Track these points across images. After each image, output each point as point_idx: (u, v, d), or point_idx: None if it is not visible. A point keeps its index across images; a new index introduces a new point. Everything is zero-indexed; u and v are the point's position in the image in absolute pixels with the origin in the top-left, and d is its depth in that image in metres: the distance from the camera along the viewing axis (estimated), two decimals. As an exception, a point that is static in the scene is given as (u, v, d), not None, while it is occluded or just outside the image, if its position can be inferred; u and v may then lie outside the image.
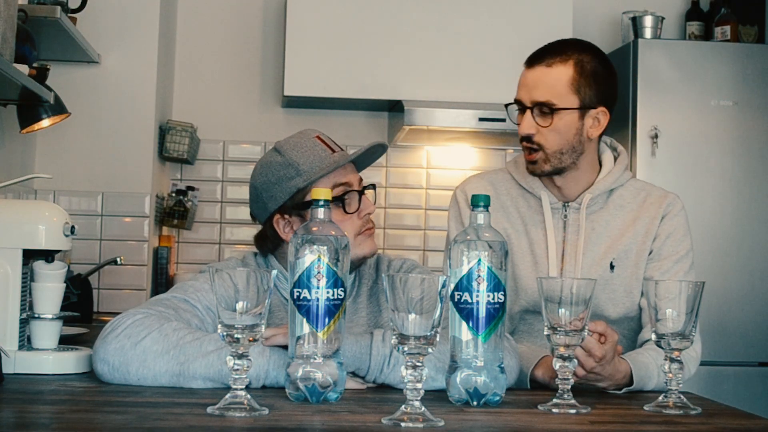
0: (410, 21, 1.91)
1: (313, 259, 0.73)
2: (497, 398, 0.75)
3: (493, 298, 0.74)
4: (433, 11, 1.92)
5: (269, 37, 2.07)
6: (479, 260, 0.74)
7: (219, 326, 0.69)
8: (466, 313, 0.74)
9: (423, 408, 0.66)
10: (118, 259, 1.64)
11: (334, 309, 0.73)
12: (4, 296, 0.84)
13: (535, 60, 0.97)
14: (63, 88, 1.66)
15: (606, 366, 0.81)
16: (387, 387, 0.80)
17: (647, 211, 1.01)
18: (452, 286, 0.75)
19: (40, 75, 1.37)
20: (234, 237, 2.05)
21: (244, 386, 0.68)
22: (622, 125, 1.86)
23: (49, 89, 1.41)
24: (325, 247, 0.73)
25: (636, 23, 1.95)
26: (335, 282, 0.73)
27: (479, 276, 0.74)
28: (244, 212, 1.98)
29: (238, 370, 0.68)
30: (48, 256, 0.87)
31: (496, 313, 0.75)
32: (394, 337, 0.67)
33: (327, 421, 0.67)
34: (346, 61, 1.90)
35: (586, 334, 0.75)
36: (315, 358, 0.73)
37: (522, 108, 0.97)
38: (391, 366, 0.79)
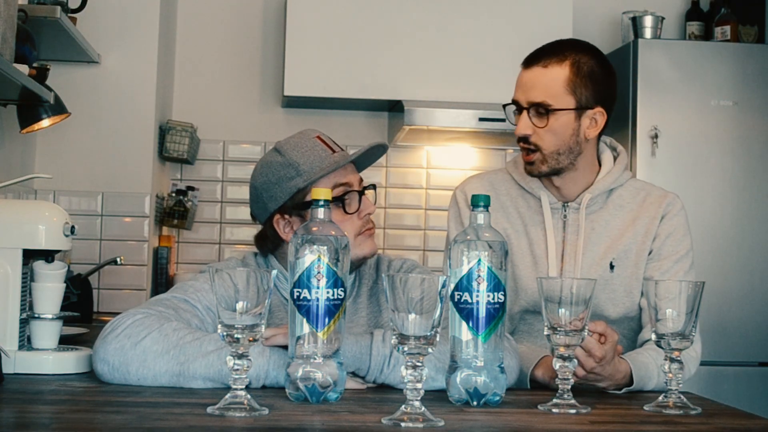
0: (410, 21, 1.91)
1: (313, 259, 0.73)
2: (497, 398, 0.75)
3: (493, 298, 0.74)
4: (433, 11, 1.92)
5: (269, 37, 2.07)
6: (479, 260, 0.74)
7: (219, 326, 0.69)
8: (466, 313, 0.74)
9: (423, 408, 0.66)
10: (118, 259, 1.64)
11: (334, 309, 0.73)
12: (4, 296, 0.84)
13: (531, 61, 0.97)
14: (63, 88, 1.66)
15: (606, 366, 0.81)
16: (387, 387, 0.80)
17: (647, 211, 1.01)
18: (452, 286, 0.75)
19: (40, 75, 1.37)
20: (234, 237, 2.05)
21: (244, 386, 0.68)
22: (622, 125, 1.86)
23: (49, 89, 1.41)
24: (325, 247, 0.73)
25: (636, 23, 1.95)
26: (335, 282, 0.73)
27: (479, 276, 0.74)
28: (244, 212, 1.98)
29: (238, 370, 0.68)
30: (48, 256, 0.87)
31: (496, 313, 0.75)
32: (394, 337, 0.67)
33: (327, 421, 0.67)
34: (346, 61, 1.90)
35: (586, 334, 0.75)
36: (315, 358, 0.73)
37: (519, 108, 0.97)
38: (391, 366, 0.79)
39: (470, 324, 0.74)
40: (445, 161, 2.09)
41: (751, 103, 1.85)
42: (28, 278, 0.87)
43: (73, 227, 0.88)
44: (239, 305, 0.68)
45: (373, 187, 0.93)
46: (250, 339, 0.69)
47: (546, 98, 0.94)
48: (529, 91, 0.95)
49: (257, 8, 2.08)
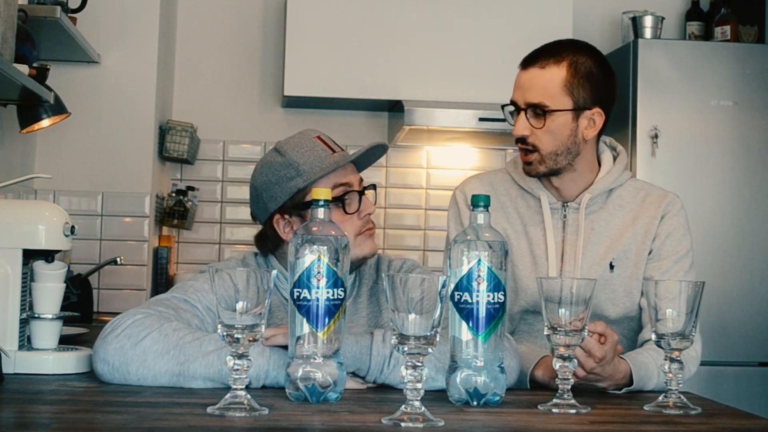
0: (410, 21, 1.91)
1: (313, 259, 0.73)
2: (497, 398, 0.75)
3: (493, 298, 0.74)
4: (433, 11, 1.92)
5: (269, 37, 2.07)
6: (479, 260, 0.74)
7: (219, 326, 0.69)
8: (466, 313, 0.74)
9: (423, 408, 0.66)
10: (118, 259, 1.64)
11: (334, 309, 0.73)
12: (4, 296, 0.84)
13: (529, 61, 0.97)
14: (63, 88, 1.66)
15: (606, 366, 0.81)
16: (387, 387, 0.80)
17: (647, 211, 1.00)
18: (452, 286, 0.75)
19: (40, 75, 1.37)
20: (234, 237, 2.05)
21: (244, 386, 0.68)
22: (622, 125, 1.86)
23: (49, 89, 1.41)
24: (325, 247, 0.73)
25: (636, 23, 1.95)
26: (335, 282, 0.73)
27: (479, 276, 0.74)
28: (244, 212, 1.98)
29: (238, 370, 0.68)
30: (48, 256, 0.87)
31: (496, 313, 0.75)
32: (394, 337, 0.67)
33: (327, 421, 0.67)
34: (346, 61, 1.89)
35: (586, 334, 0.75)
36: (315, 358, 0.73)
37: (517, 109, 0.97)
38: (391, 366, 0.79)
39: (470, 324, 0.74)
40: (445, 161, 2.09)
41: (751, 103, 1.85)
42: (28, 278, 0.87)
43: (73, 227, 0.88)
44: (239, 305, 0.68)
45: (374, 187, 0.93)
46: (250, 339, 0.69)
47: (543, 99, 0.95)
48: (526, 92, 0.96)
49: (257, 8, 2.08)
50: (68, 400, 0.73)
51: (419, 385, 0.66)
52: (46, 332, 0.87)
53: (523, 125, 0.96)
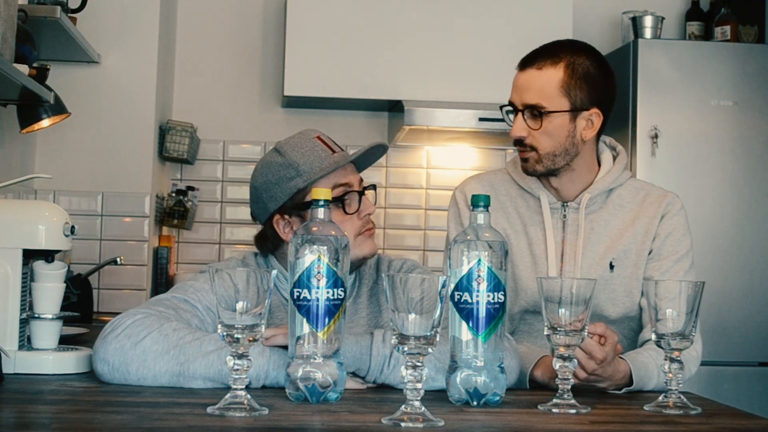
0: (410, 21, 1.91)
1: (313, 259, 0.73)
2: (497, 398, 0.75)
3: (493, 298, 0.74)
4: (433, 11, 1.92)
5: (269, 37, 2.07)
6: (479, 260, 0.74)
7: (219, 326, 0.69)
8: (466, 313, 0.74)
9: (423, 408, 0.66)
10: (118, 259, 1.64)
11: (334, 309, 0.73)
12: (4, 296, 0.84)
13: (527, 62, 0.97)
14: (63, 88, 1.66)
15: (606, 367, 0.81)
16: (387, 387, 0.80)
17: (647, 211, 1.00)
18: (452, 286, 0.75)
19: (40, 75, 1.37)
20: (234, 237, 2.05)
21: (244, 386, 0.68)
22: (622, 125, 1.86)
23: (49, 89, 1.41)
24: (325, 247, 0.73)
25: (636, 23, 1.95)
26: (335, 282, 0.73)
27: (479, 276, 0.74)
28: (244, 212, 1.98)
29: (238, 370, 0.68)
30: (48, 256, 0.87)
31: (496, 313, 0.75)
32: (394, 337, 0.67)
33: (327, 421, 0.67)
34: (346, 61, 1.89)
35: (585, 334, 0.75)
36: (315, 358, 0.73)
37: (514, 110, 0.97)
38: (391, 366, 0.79)
39: (470, 324, 0.74)
40: (445, 161, 2.09)
41: (751, 103, 1.85)
42: (28, 278, 0.87)
43: (73, 227, 0.88)
44: (239, 305, 0.68)
45: (373, 187, 0.93)
46: (250, 339, 0.69)
47: (540, 100, 0.95)
48: (523, 93, 0.96)
49: (257, 8, 2.08)
50: (68, 400, 0.73)
51: (419, 385, 0.66)
52: (46, 332, 0.87)
53: (520, 126, 0.96)
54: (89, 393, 0.76)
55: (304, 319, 0.73)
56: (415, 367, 0.66)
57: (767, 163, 1.85)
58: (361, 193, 0.91)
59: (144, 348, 0.77)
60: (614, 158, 1.03)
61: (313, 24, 1.89)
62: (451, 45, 1.91)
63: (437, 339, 0.67)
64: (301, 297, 0.73)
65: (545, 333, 0.75)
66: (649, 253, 0.99)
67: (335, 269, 0.73)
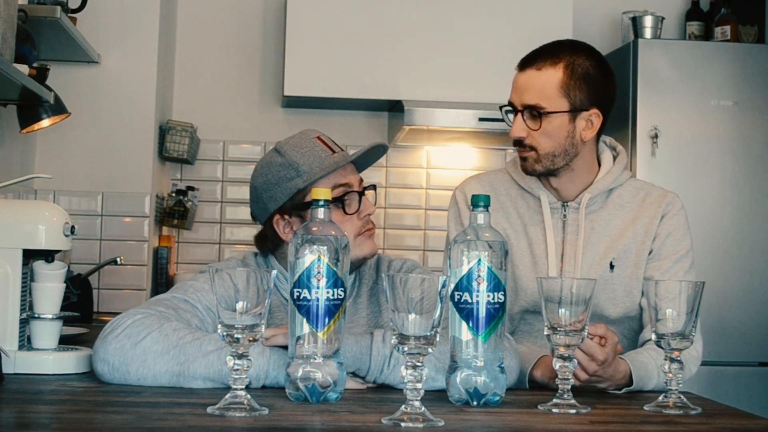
0: (410, 21, 1.91)
1: (313, 259, 0.73)
2: (497, 398, 0.75)
3: (493, 298, 0.74)
4: (433, 11, 1.92)
5: (269, 37, 2.07)
6: (479, 260, 0.74)
7: (219, 326, 0.69)
8: (466, 313, 0.74)
9: (423, 408, 0.66)
10: (118, 259, 1.64)
11: (334, 309, 0.73)
12: (4, 296, 0.84)
13: (526, 63, 0.97)
14: (63, 88, 1.66)
15: (607, 368, 0.81)
16: (387, 387, 0.80)
17: (647, 211, 1.01)
18: (452, 286, 0.75)
19: (40, 75, 1.37)
20: (234, 237, 2.05)
21: (244, 386, 0.68)
22: (622, 125, 1.86)
23: (49, 89, 1.41)
24: (325, 247, 0.73)
25: (636, 23, 1.95)
26: (335, 282, 0.73)
27: (479, 276, 0.74)
28: (244, 212, 1.98)
29: (238, 370, 0.68)
30: (48, 256, 0.87)
31: (496, 313, 0.75)
32: (394, 337, 0.67)
33: (327, 421, 0.67)
34: (346, 61, 1.89)
35: (585, 334, 0.75)
36: (315, 358, 0.73)
37: (514, 110, 0.97)
38: (391, 366, 0.79)
39: (470, 324, 0.74)
40: (445, 161, 2.09)
41: (751, 103, 1.85)
42: (28, 278, 0.87)
43: (73, 227, 0.88)
44: (239, 305, 0.68)
45: (374, 187, 0.93)
46: (250, 339, 0.69)
47: (539, 101, 0.95)
48: (522, 93, 0.96)
49: (257, 8, 2.08)
50: (68, 400, 0.73)
51: (419, 385, 0.66)
52: (46, 332, 0.87)
53: (519, 127, 0.96)
54: (89, 393, 0.76)
55: (304, 319, 0.73)
56: (415, 367, 0.66)
57: (767, 163, 1.85)
58: (361, 194, 0.91)
59: (144, 348, 0.77)
60: (614, 158, 1.03)
61: (313, 24, 1.89)
62: (451, 45, 1.91)
63: (437, 339, 0.67)
64: (301, 297, 0.73)
65: (545, 333, 0.75)
66: (649, 253, 0.99)
67: (335, 269, 0.73)
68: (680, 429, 0.69)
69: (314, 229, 0.74)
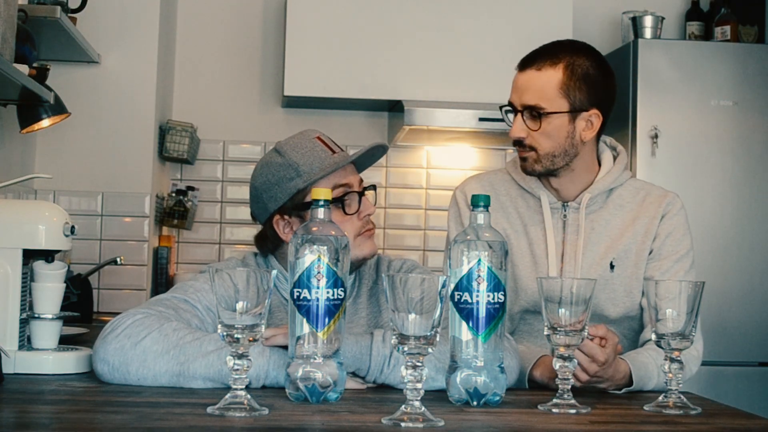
0: (410, 21, 1.91)
1: (313, 259, 0.73)
2: (497, 398, 0.75)
3: (493, 298, 0.74)
4: (433, 11, 1.92)
5: (269, 37, 2.07)
6: (479, 260, 0.74)
7: (219, 326, 0.69)
8: (466, 313, 0.74)
9: (423, 408, 0.66)
10: (118, 259, 1.64)
11: (334, 309, 0.73)
12: (4, 296, 0.84)
13: (526, 63, 0.97)
14: (63, 88, 1.66)
15: (607, 369, 0.82)
16: (387, 387, 0.80)
17: (647, 211, 1.01)
18: (452, 286, 0.75)
19: (40, 75, 1.37)
20: (234, 237, 2.05)
21: (244, 386, 0.68)
22: (622, 125, 1.86)
23: (49, 89, 1.41)
24: (325, 247, 0.73)
25: (636, 23, 1.95)
26: (335, 282, 0.73)
27: (479, 276, 0.74)
28: (244, 212, 1.98)
29: (238, 370, 0.68)
30: (48, 256, 0.87)
31: (496, 313, 0.75)
32: (394, 337, 0.67)
33: (327, 421, 0.67)
34: (346, 61, 1.89)
35: (585, 334, 0.75)
36: (315, 358, 0.73)
37: (514, 111, 0.97)
38: (391, 366, 0.79)
39: (470, 324, 0.74)
40: (445, 161, 2.09)
41: (751, 103, 1.85)
42: (28, 278, 0.87)
43: (73, 227, 0.88)
44: (239, 305, 0.68)
45: (374, 188, 0.93)
46: (250, 339, 0.69)
47: (539, 101, 0.95)
48: (522, 93, 0.96)
49: (257, 8, 2.08)
50: (68, 400, 0.73)
51: (419, 385, 0.66)
52: (46, 332, 0.87)
53: (519, 127, 0.96)
54: (89, 393, 0.76)
55: (304, 319, 0.73)
56: (415, 367, 0.66)
57: (767, 163, 1.85)
58: (361, 194, 0.91)
59: (144, 348, 0.77)
60: (614, 158, 1.03)
61: (313, 24, 1.89)
62: (451, 45, 1.91)
63: (437, 339, 0.67)
64: (301, 297, 0.73)
65: (545, 333, 0.75)
66: (650, 253, 0.99)
67: (335, 269, 0.73)
68: (680, 429, 0.69)
69: (314, 229, 0.74)
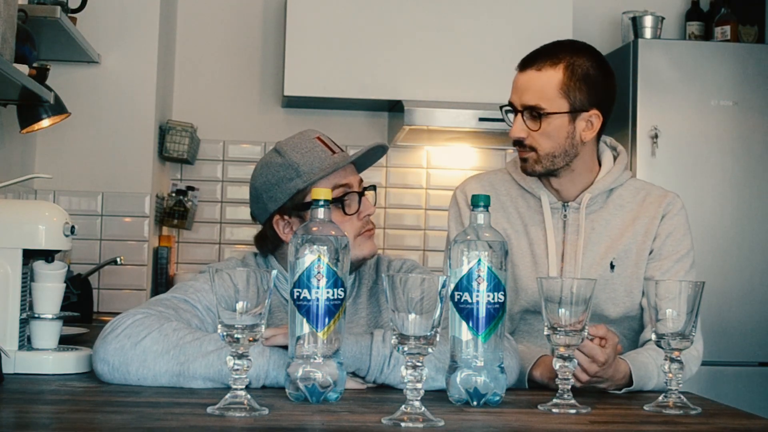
0: (410, 21, 1.91)
1: (313, 259, 0.73)
2: (497, 398, 0.75)
3: (493, 298, 0.74)
4: (433, 11, 1.92)
5: (269, 37, 2.07)
6: (479, 260, 0.74)
7: (219, 326, 0.69)
8: (466, 313, 0.74)
9: (423, 408, 0.66)
10: (118, 259, 1.64)
11: (334, 309, 0.73)
12: (4, 296, 0.84)
13: (527, 63, 0.97)
14: (63, 88, 1.66)
15: (607, 369, 0.82)
16: (387, 387, 0.80)
17: (647, 211, 1.01)
18: (452, 286, 0.75)
19: (40, 75, 1.37)
20: (234, 237, 2.06)
21: (244, 386, 0.68)
22: (622, 125, 1.86)
23: (49, 89, 1.41)
24: (325, 247, 0.73)
25: (636, 23, 1.95)
26: (335, 282, 0.73)
27: (479, 276, 0.74)
28: (244, 212, 1.98)
29: (238, 370, 0.68)
30: (48, 256, 0.87)
31: (496, 313, 0.75)
32: (394, 337, 0.68)
33: (327, 421, 0.67)
34: (346, 61, 1.90)
35: (585, 334, 0.75)
36: (315, 358, 0.73)
37: (514, 111, 0.98)
38: (391, 366, 0.79)
39: (470, 324, 0.74)
40: (445, 161, 2.09)
41: (751, 103, 1.85)
42: (28, 278, 0.87)
43: (73, 227, 0.88)
44: (239, 305, 0.69)
45: (373, 188, 0.93)
46: (250, 339, 0.69)
47: (539, 101, 0.95)
48: (522, 94, 0.96)
49: (257, 9, 2.08)
50: (68, 400, 0.73)
51: (419, 385, 0.66)
52: (46, 332, 0.87)
53: (519, 127, 0.97)
54: (89, 393, 0.76)
55: (304, 319, 0.73)
56: (415, 367, 0.66)
57: (767, 163, 1.85)
58: (360, 194, 0.91)
59: (144, 348, 0.77)
60: (615, 158, 1.03)
61: (313, 24, 1.89)
62: (451, 45, 1.91)
63: (437, 339, 0.67)
64: (301, 297, 0.73)
65: (545, 333, 0.75)
66: (650, 253, 1.00)
67: (335, 269, 0.73)
68: (680, 429, 0.69)
69: (314, 229, 0.74)
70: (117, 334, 0.79)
